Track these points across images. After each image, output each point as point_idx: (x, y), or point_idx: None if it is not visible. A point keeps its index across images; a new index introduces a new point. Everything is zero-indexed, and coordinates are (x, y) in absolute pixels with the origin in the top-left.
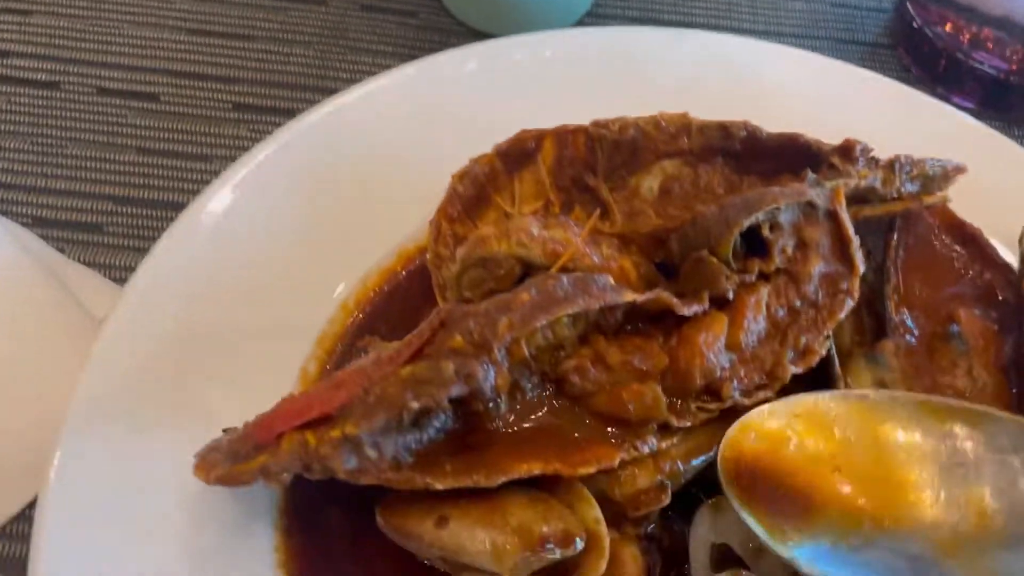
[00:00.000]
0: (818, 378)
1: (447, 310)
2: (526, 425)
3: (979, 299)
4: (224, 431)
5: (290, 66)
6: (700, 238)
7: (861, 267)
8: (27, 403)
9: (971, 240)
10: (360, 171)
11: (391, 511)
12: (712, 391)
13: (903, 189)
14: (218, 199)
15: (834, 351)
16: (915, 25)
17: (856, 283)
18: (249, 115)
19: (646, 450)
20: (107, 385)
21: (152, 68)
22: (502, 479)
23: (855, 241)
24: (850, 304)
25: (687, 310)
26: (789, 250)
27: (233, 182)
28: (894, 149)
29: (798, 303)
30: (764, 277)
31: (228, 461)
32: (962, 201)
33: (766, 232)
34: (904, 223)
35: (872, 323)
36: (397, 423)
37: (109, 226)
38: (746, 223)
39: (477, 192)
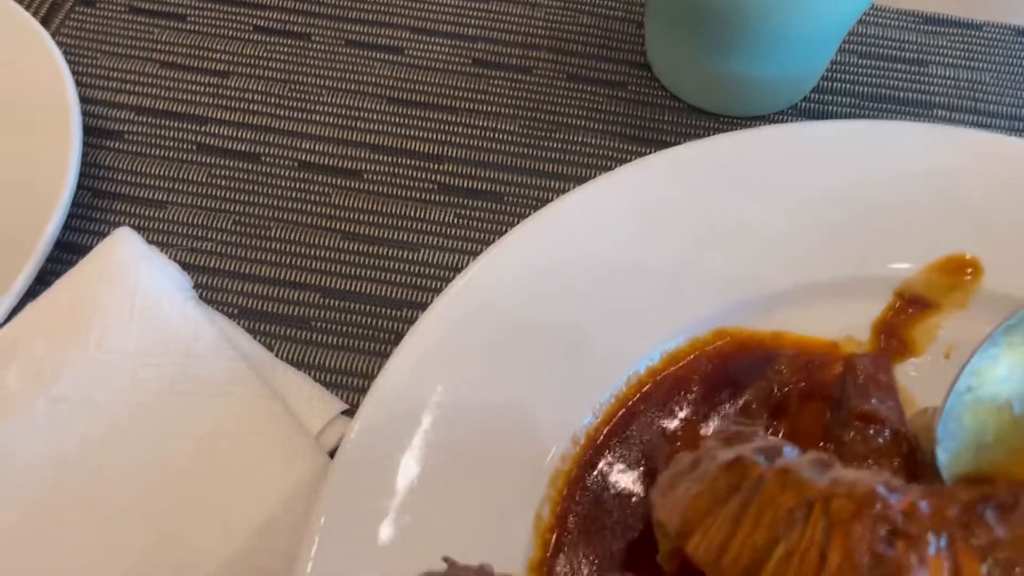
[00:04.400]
0: None
1: None
2: None
3: None
4: (444, 559)
5: (494, 143)
6: None
7: None
8: (240, 519)
9: None
10: (592, 286)
11: None
12: None
13: None
14: (437, 324)
15: None
16: None
17: None
18: (454, 197)
19: None
20: (343, 514)
21: (353, 141)
22: None
23: None
24: None
25: None
26: None
27: (447, 306)
28: None
29: None
30: None
31: None
32: None
33: None
34: None
35: None
36: None
37: (316, 320)
38: None
39: None
